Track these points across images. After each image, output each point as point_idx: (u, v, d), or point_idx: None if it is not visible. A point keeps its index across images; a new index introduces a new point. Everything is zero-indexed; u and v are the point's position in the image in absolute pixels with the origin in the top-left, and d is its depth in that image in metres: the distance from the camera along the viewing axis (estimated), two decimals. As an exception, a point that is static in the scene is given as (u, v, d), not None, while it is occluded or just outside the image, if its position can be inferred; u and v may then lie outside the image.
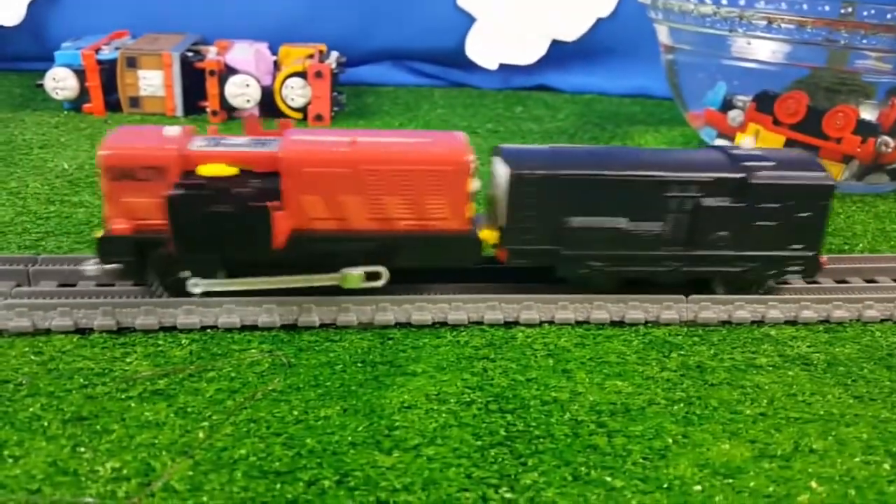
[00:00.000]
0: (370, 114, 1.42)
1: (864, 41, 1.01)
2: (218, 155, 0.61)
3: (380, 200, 0.63)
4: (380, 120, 1.39)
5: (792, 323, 0.69)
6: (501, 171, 0.67)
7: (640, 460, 0.50)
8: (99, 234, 0.62)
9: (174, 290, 0.63)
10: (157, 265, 0.63)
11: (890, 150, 1.05)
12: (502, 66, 1.64)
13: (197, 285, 0.62)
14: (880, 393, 0.59)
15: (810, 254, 0.70)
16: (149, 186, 0.61)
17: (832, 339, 0.67)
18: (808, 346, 0.66)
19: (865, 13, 1.01)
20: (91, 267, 0.64)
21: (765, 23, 1.02)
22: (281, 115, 1.31)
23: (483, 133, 1.33)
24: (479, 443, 0.50)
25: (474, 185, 0.64)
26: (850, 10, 1.30)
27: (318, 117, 1.31)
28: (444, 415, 0.53)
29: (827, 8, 1.27)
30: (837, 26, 1.01)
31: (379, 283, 0.63)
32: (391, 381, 0.57)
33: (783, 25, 1.04)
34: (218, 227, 0.60)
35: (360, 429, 0.51)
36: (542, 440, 0.51)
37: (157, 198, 0.60)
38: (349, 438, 0.50)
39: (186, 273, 0.62)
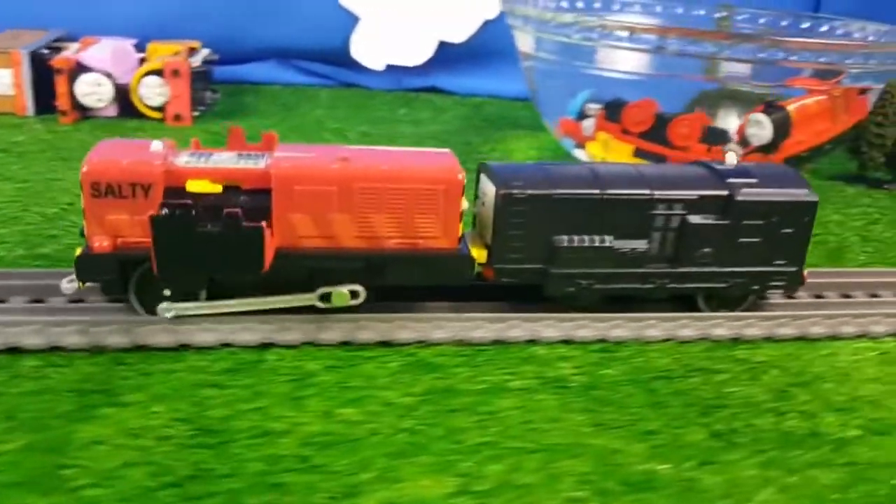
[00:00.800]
0: (241, 113, 1.38)
1: (728, 52, 0.99)
2: (205, 171, 0.59)
3: (370, 218, 0.61)
4: (250, 120, 1.34)
5: (567, 342, 0.67)
6: (488, 188, 0.66)
7: (325, 500, 0.47)
8: (77, 251, 0.60)
9: (153, 310, 0.62)
10: (137, 284, 0.61)
11: (736, 160, 1.03)
12: (392, 67, 1.60)
13: (169, 310, 0.61)
14: (626, 420, 0.57)
15: (793, 269, 0.70)
16: (133, 203, 0.58)
17: (604, 360, 0.65)
18: (574, 368, 0.63)
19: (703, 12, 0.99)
20: (67, 284, 0.62)
21: (627, 33, 0.99)
22: (139, 114, 1.27)
23: (353, 136, 1.30)
24: (152, 483, 0.47)
25: (464, 203, 0.63)
26: (723, 13, 1.29)
27: (178, 117, 1.26)
28: (131, 451, 0.49)
29: (680, 10, 1.25)
30: (693, 35, 0.99)
31: (357, 302, 0.63)
32: (98, 412, 0.53)
33: (644, 35, 1.01)
34: (205, 248, 0.58)
35: (32, 467, 0.47)
36: (225, 479, 0.48)
37: (140, 215, 0.58)
38: (13, 479, 0.46)
39: (166, 293, 0.61)
